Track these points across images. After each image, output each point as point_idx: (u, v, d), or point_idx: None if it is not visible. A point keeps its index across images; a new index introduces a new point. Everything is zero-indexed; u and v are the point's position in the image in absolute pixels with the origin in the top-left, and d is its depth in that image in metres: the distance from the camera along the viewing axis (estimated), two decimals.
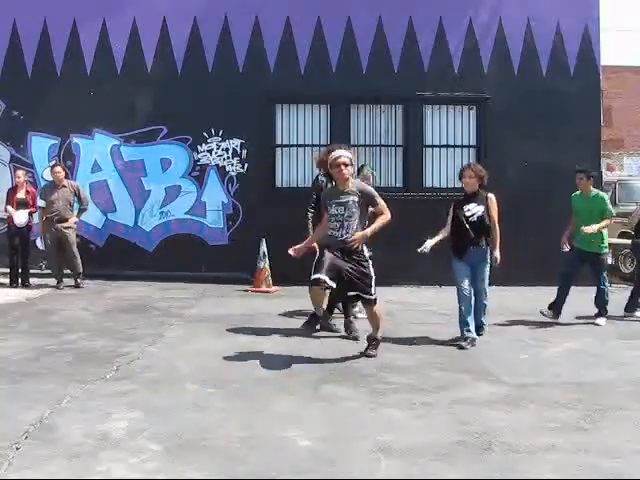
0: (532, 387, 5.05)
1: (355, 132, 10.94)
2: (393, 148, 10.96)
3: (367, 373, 5.35)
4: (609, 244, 11.51)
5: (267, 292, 9.71)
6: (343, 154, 5.81)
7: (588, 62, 10.90)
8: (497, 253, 6.47)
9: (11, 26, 10.74)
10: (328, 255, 5.62)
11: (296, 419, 4.28)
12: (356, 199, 5.73)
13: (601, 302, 7.70)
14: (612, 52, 16.55)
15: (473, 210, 6.39)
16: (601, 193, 7.80)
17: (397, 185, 10.72)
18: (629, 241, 11.58)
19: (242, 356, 5.92)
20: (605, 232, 7.64)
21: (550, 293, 9.56)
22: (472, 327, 6.31)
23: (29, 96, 10.64)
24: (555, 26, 10.85)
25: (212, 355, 5.90)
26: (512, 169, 10.51)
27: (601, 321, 7.61)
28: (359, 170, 7.41)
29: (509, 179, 10.42)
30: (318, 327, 6.56)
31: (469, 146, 11.02)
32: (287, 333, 6.86)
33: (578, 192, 7.75)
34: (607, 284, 7.78)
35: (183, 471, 3.47)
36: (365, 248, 5.79)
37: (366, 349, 5.86)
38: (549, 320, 7.70)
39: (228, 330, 6.97)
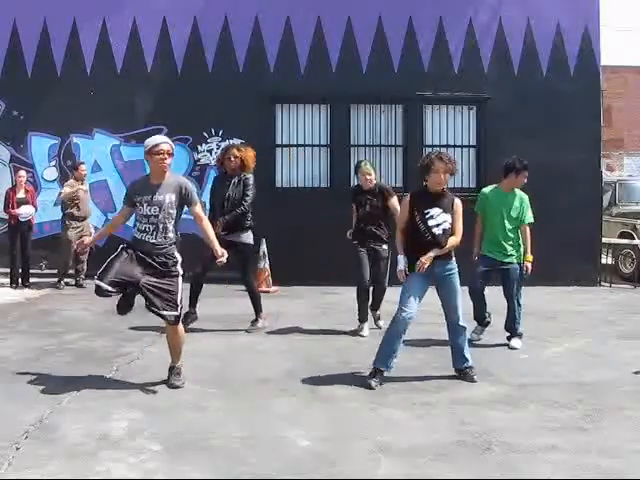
0: (532, 387, 5.05)
1: (355, 132, 10.95)
2: (393, 148, 10.97)
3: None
4: (608, 244, 11.64)
5: (267, 292, 9.70)
6: (167, 141, 4.90)
7: (588, 62, 10.91)
8: (424, 259, 5.02)
9: (11, 26, 10.74)
10: (123, 256, 4.76)
11: (296, 419, 4.28)
12: (174, 197, 4.79)
13: (512, 324, 6.41)
14: (612, 52, 16.56)
15: (439, 219, 5.05)
16: (521, 192, 6.47)
17: (397, 185, 10.70)
18: (629, 241, 11.62)
19: (242, 356, 5.93)
20: (521, 240, 6.40)
21: (550, 293, 9.60)
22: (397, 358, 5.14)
23: (29, 96, 10.64)
24: (555, 26, 10.86)
25: (212, 355, 5.90)
26: None
27: (516, 343, 6.34)
28: (357, 167, 7.02)
29: None
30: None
31: (469, 146, 11.03)
32: (287, 333, 6.87)
33: (491, 188, 6.54)
34: (521, 302, 6.41)
35: (183, 471, 3.47)
36: (177, 253, 4.87)
37: (169, 379, 4.94)
38: (547, 319, 7.70)
39: (228, 330, 6.97)
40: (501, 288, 6.40)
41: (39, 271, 10.37)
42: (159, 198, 4.76)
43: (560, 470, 3.54)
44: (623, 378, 5.32)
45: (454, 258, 5.19)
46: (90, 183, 10.71)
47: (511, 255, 6.32)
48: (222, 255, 5.01)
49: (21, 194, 9.86)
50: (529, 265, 6.35)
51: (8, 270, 9.89)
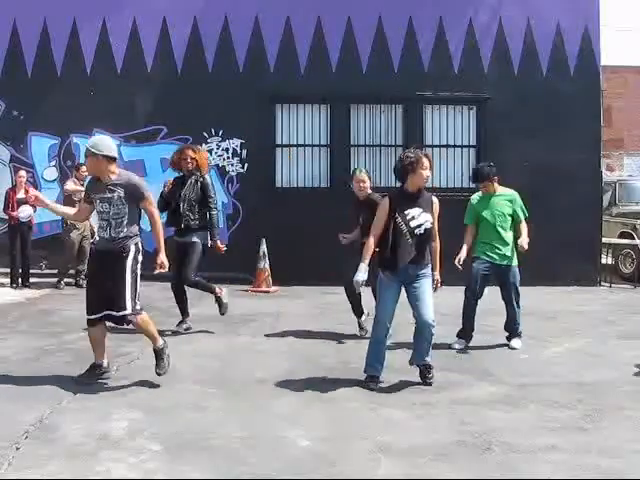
0: (532, 387, 5.05)
1: (355, 132, 10.95)
2: (393, 148, 10.96)
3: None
4: (608, 244, 11.64)
5: (267, 292, 9.72)
6: (86, 145, 4.96)
7: (588, 62, 10.91)
8: (437, 274, 5.15)
9: (11, 26, 10.74)
10: (91, 283, 5.00)
11: (296, 419, 4.28)
12: (122, 193, 4.88)
13: (512, 325, 6.37)
14: (612, 52, 16.54)
15: (420, 219, 4.92)
16: (509, 190, 6.40)
17: (397, 185, 10.66)
18: (629, 241, 11.62)
19: (242, 356, 5.93)
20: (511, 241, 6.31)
21: (550, 293, 9.60)
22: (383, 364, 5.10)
23: (29, 96, 10.64)
24: (555, 26, 10.86)
25: (212, 355, 5.90)
26: (512, 169, 10.47)
27: (516, 343, 6.32)
28: (353, 173, 6.79)
29: (509, 179, 10.37)
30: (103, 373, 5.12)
31: (469, 146, 11.03)
32: (287, 333, 6.87)
33: (477, 194, 6.44)
34: (520, 303, 6.33)
35: (183, 471, 3.47)
36: (133, 247, 4.89)
37: (156, 366, 5.01)
38: (547, 319, 7.70)
39: (228, 330, 6.98)
40: (499, 288, 6.38)
41: (39, 271, 10.37)
42: (108, 195, 4.91)
43: (560, 470, 3.54)
44: (623, 378, 5.32)
45: (430, 265, 5.07)
46: None
47: (508, 257, 6.23)
48: (161, 266, 5.02)
49: (21, 194, 9.86)
50: (525, 240, 6.18)
51: (8, 270, 9.90)
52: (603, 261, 11.28)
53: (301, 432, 4.03)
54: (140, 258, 4.96)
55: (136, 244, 4.94)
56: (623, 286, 10.96)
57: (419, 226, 4.91)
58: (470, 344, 6.28)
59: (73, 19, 10.71)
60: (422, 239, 4.94)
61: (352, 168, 10.61)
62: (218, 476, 3.44)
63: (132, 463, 3.55)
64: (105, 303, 4.87)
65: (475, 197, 6.47)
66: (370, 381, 5.01)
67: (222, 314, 6.96)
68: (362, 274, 4.97)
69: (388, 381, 5.09)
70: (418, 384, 5.08)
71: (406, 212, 4.92)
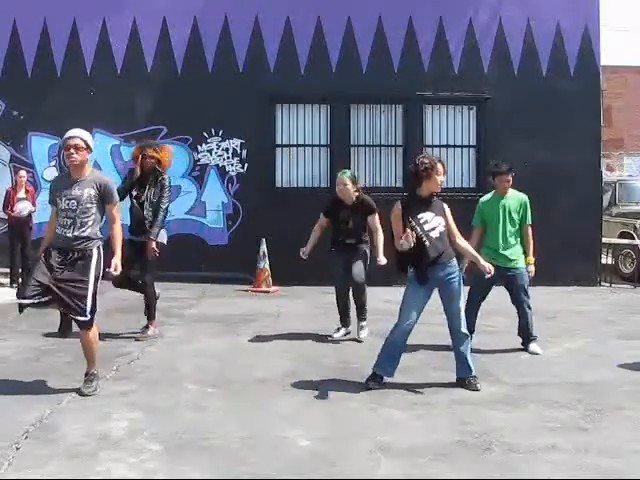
0: (532, 387, 5.05)
1: (355, 132, 10.95)
2: (393, 148, 10.97)
3: (367, 373, 5.33)
4: (608, 244, 11.65)
5: (267, 292, 9.72)
6: (76, 134, 4.76)
7: (588, 62, 10.92)
8: (486, 265, 5.14)
9: (11, 26, 10.74)
10: (39, 264, 4.67)
11: (296, 419, 4.28)
12: (93, 192, 4.75)
13: (526, 329, 6.22)
14: (612, 52, 16.54)
15: (433, 223, 4.96)
16: (521, 194, 6.29)
17: (397, 185, 10.71)
18: (629, 241, 11.63)
19: (242, 356, 5.93)
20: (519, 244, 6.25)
21: (550, 293, 9.59)
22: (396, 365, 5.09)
23: (29, 96, 10.64)
24: (555, 26, 10.87)
25: (212, 355, 5.90)
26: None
27: (535, 348, 6.16)
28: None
29: None
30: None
31: (469, 146, 11.03)
32: (287, 333, 6.86)
33: (488, 196, 6.35)
34: (530, 306, 6.21)
35: (183, 471, 3.48)
36: (95, 251, 4.74)
37: (84, 385, 4.76)
38: (547, 319, 7.70)
39: (228, 330, 6.97)
40: (507, 295, 6.29)
41: None
42: (77, 192, 4.73)
43: (560, 470, 3.55)
44: (623, 378, 5.32)
45: (455, 260, 5.05)
46: None
47: (514, 260, 6.13)
48: (115, 269, 4.85)
49: (21, 194, 9.87)
50: (532, 268, 6.25)
51: (8, 270, 9.90)
52: (603, 261, 11.29)
53: (301, 432, 4.03)
54: (102, 264, 4.76)
55: (98, 248, 4.77)
56: (623, 286, 10.97)
57: (433, 229, 4.94)
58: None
59: (73, 19, 10.71)
60: (438, 241, 4.94)
61: (351, 168, 10.69)
62: (218, 476, 3.44)
63: (132, 463, 3.55)
64: (58, 299, 4.62)
65: (484, 199, 6.37)
66: (371, 379, 5.00)
67: (135, 339, 6.40)
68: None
69: (388, 381, 5.09)
70: (418, 383, 5.08)
71: (419, 216, 4.95)
